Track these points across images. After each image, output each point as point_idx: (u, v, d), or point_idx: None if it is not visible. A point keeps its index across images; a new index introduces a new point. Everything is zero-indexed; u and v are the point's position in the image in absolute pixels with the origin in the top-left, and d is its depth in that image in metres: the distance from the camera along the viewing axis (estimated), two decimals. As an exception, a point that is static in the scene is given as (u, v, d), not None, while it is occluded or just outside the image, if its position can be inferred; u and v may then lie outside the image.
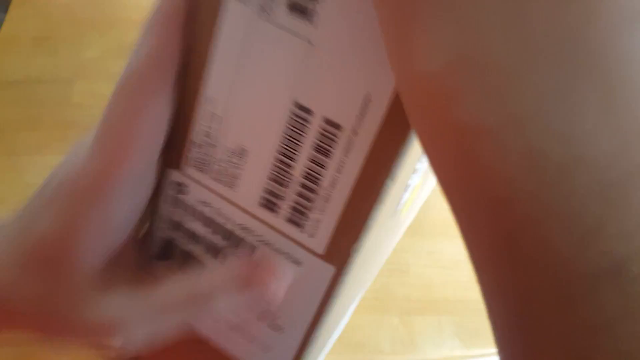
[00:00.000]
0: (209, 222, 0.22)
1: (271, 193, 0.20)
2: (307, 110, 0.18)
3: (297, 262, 0.21)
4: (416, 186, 0.23)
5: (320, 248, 0.21)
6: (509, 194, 0.12)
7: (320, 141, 0.19)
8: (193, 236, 0.23)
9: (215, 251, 0.23)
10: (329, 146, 0.19)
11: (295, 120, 0.19)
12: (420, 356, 0.41)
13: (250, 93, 0.19)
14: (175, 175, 0.22)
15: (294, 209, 0.20)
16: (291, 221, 0.21)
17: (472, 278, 0.49)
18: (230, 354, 0.25)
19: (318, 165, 0.19)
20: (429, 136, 0.13)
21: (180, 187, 0.22)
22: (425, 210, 0.48)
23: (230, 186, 0.21)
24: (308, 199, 0.20)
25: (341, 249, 0.20)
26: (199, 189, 0.22)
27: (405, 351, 0.41)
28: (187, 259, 0.24)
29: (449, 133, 0.12)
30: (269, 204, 0.21)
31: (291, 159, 0.19)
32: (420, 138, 0.14)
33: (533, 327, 0.12)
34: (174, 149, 0.21)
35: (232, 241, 0.22)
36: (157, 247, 0.24)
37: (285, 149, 0.19)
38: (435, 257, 0.45)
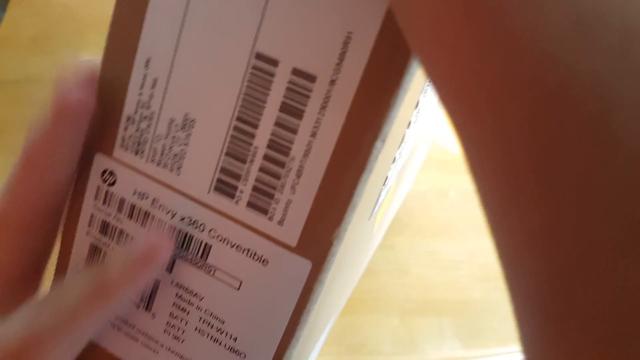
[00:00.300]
0: (145, 219, 0.18)
1: (227, 173, 0.16)
2: (271, 61, 0.15)
3: (262, 261, 0.17)
4: (391, 187, 0.21)
5: (293, 238, 0.16)
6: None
7: (289, 98, 0.15)
8: (125, 240, 0.19)
9: None
10: (300, 103, 0.15)
11: (257, 76, 0.15)
12: (420, 357, 0.40)
13: (199, 46, 0.15)
14: (102, 162, 0.18)
15: (257, 190, 0.16)
16: (254, 207, 0.16)
17: (472, 278, 0.49)
18: None
19: (286, 130, 0.15)
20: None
21: (109, 176, 0.18)
22: (425, 211, 0.47)
23: (174, 169, 0.17)
24: (275, 175, 0.16)
25: (319, 238, 0.16)
26: (133, 177, 0.18)
27: (405, 352, 0.41)
28: None
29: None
30: (225, 188, 0.17)
31: (252, 125, 0.16)
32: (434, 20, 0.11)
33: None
34: (103, 130, 0.18)
35: (178, 242, 0.18)
36: (79, 256, 0.20)
37: (245, 113, 0.15)
38: (435, 257, 0.45)
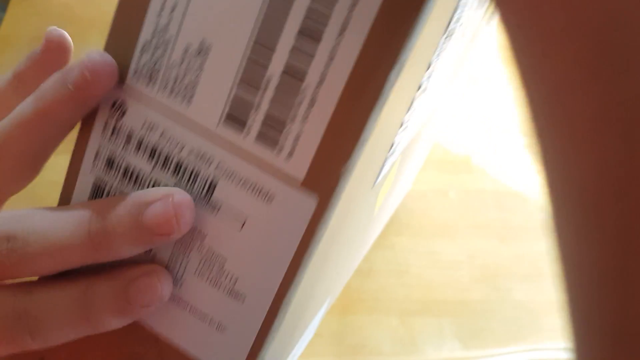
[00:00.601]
0: (154, 152, 0.18)
1: (239, 103, 0.16)
2: None
3: (268, 197, 0.17)
4: (394, 165, 0.21)
5: (300, 172, 0.16)
6: None
7: (310, 19, 0.14)
8: (131, 176, 0.18)
9: None
10: (321, 24, 0.14)
11: None
12: (420, 357, 0.40)
13: None
14: (113, 92, 0.18)
15: (268, 121, 0.16)
16: (263, 139, 0.16)
17: (472, 279, 0.49)
18: (167, 341, 0.19)
19: (303, 55, 0.15)
20: None
21: (118, 108, 0.18)
22: (425, 211, 0.47)
23: (185, 99, 0.17)
24: (287, 105, 0.16)
25: (327, 172, 0.16)
26: (144, 108, 0.17)
27: (405, 352, 0.40)
28: None
29: None
30: (236, 119, 0.16)
31: (269, 49, 0.15)
32: None
33: None
34: (117, 57, 0.17)
35: (184, 177, 0.18)
36: (82, 193, 0.19)
37: (263, 37, 0.15)
38: (435, 257, 0.45)
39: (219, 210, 0.17)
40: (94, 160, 0.19)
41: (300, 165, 0.16)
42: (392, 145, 0.18)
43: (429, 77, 0.19)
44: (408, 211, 0.47)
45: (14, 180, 0.19)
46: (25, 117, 0.18)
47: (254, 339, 0.18)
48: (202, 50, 0.16)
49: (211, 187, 0.17)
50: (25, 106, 0.18)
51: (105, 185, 0.19)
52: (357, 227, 0.22)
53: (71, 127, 0.19)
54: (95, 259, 0.18)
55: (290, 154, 0.16)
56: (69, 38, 0.22)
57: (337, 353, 0.40)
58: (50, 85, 0.18)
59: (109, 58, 0.17)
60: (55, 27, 0.22)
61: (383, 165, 0.18)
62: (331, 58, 0.15)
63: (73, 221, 0.18)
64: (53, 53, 0.21)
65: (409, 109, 0.18)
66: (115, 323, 0.18)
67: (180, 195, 0.17)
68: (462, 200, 0.48)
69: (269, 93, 0.16)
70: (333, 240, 0.18)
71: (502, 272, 0.44)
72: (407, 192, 0.46)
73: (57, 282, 0.18)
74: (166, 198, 0.17)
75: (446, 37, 0.18)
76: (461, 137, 0.51)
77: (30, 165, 0.19)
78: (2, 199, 0.20)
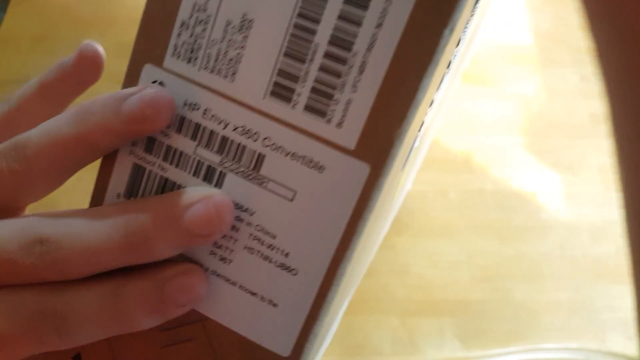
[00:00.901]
0: (197, 131, 0.17)
1: (285, 75, 0.16)
2: None
3: (318, 168, 0.16)
4: (414, 152, 0.20)
5: (351, 141, 0.16)
6: None
7: None
8: (173, 157, 0.18)
9: (205, 173, 0.18)
10: None
11: None
12: (420, 358, 0.40)
13: None
14: (151, 73, 0.17)
15: (316, 92, 0.16)
16: (312, 110, 0.16)
17: (472, 279, 0.49)
18: (215, 323, 0.18)
19: (350, 23, 0.15)
20: None
21: None
22: (425, 211, 0.47)
23: (228, 75, 0.16)
24: (335, 73, 0.15)
25: (379, 138, 0.15)
26: (184, 87, 0.17)
27: (405, 353, 0.40)
28: (165, 191, 0.18)
29: None
30: (283, 91, 0.16)
31: (314, 20, 0.15)
32: None
33: None
34: (153, 39, 0.17)
35: (229, 154, 0.17)
36: (120, 179, 0.19)
37: (307, 8, 0.15)
38: (435, 258, 0.45)
39: (267, 184, 0.17)
40: (132, 144, 0.18)
41: (350, 134, 0.16)
42: (422, 124, 0.18)
43: (454, 56, 0.18)
44: (408, 211, 0.46)
45: (36, 192, 0.19)
46: (63, 137, 0.17)
47: (307, 314, 0.17)
48: (244, 26, 0.16)
49: (259, 162, 0.17)
50: (64, 124, 0.18)
51: (145, 169, 0.18)
52: (386, 210, 0.22)
53: (107, 153, 0.18)
54: (131, 262, 0.17)
55: (340, 124, 0.16)
56: (103, 53, 0.21)
57: (338, 353, 0.40)
58: (98, 109, 0.17)
59: (169, 94, 0.17)
60: (90, 41, 0.20)
61: (413, 145, 0.18)
62: (379, 24, 0.14)
63: (109, 223, 0.17)
64: (85, 70, 0.20)
65: (439, 86, 0.18)
66: (147, 323, 0.18)
67: (220, 196, 0.17)
68: (462, 200, 0.48)
69: (316, 63, 0.15)
70: (379, 212, 0.18)
71: (502, 273, 0.44)
72: (407, 192, 0.46)
73: (86, 282, 0.18)
74: (207, 200, 0.17)
75: (472, 14, 0.18)
76: (461, 136, 0.51)
77: (56, 181, 0.19)
78: (23, 207, 0.20)
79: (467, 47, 0.23)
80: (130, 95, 0.17)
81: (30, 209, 0.20)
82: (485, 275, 0.44)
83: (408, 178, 0.23)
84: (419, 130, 0.18)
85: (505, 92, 0.54)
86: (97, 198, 0.19)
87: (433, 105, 0.18)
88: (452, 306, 0.43)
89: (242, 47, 0.16)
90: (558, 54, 0.55)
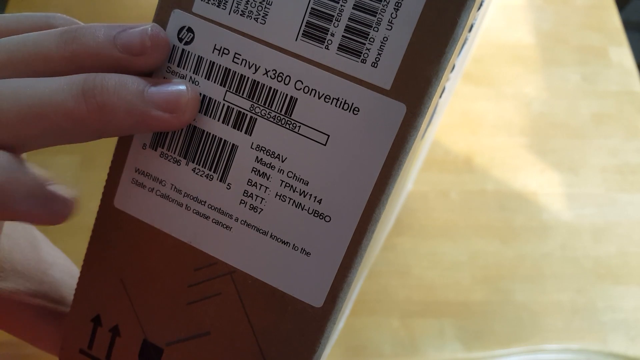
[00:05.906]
0: (226, 76, 0.17)
1: (318, 14, 0.16)
2: None
3: (353, 110, 0.16)
4: (426, 131, 0.19)
5: (387, 81, 0.15)
6: None
7: None
8: (202, 103, 0.17)
9: (235, 120, 0.17)
10: None
11: None
12: (421, 359, 0.40)
13: None
14: (180, 18, 0.17)
15: (351, 31, 0.15)
16: (346, 50, 0.16)
17: (473, 280, 0.49)
18: (245, 275, 0.18)
19: None
20: None
21: (186, 34, 0.17)
22: (426, 212, 0.47)
23: (259, 18, 0.16)
24: (371, 11, 0.15)
25: (416, 77, 0.15)
26: (214, 32, 0.17)
27: (406, 354, 0.40)
28: (193, 141, 0.18)
29: None
30: (316, 32, 0.16)
31: None
32: None
33: None
34: None
35: (260, 99, 0.17)
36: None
37: None
38: (436, 259, 0.45)
39: (299, 128, 0.17)
40: None
41: (386, 74, 0.15)
42: (443, 90, 0.17)
43: (475, 20, 0.18)
44: (409, 212, 0.46)
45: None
46: (48, 48, 0.16)
47: (340, 262, 0.17)
48: None
49: (291, 106, 0.17)
50: (49, 37, 0.16)
51: None
52: (406, 179, 0.21)
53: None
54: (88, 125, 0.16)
55: (375, 63, 0.15)
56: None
57: (338, 354, 0.39)
58: (88, 33, 0.16)
59: (167, 37, 0.17)
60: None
61: (433, 114, 0.18)
62: None
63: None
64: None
65: (460, 51, 0.17)
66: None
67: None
68: (463, 201, 0.48)
69: (350, 2, 0.15)
70: (410, 163, 0.18)
71: (503, 273, 0.44)
72: (408, 193, 0.46)
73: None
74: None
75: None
76: (462, 137, 0.51)
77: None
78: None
79: (477, 27, 0.22)
80: (128, 28, 0.16)
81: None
82: (486, 276, 0.44)
83: (410, 178, 0.22)
84: (440, 97, 0.17)
85: (506, 92, 0.54)
86: (124, 144, 0.18)
87: (453, 73, 0.18)
88: (453, 307, 0.43)
89: None
90: (559, 53, 0.55)
